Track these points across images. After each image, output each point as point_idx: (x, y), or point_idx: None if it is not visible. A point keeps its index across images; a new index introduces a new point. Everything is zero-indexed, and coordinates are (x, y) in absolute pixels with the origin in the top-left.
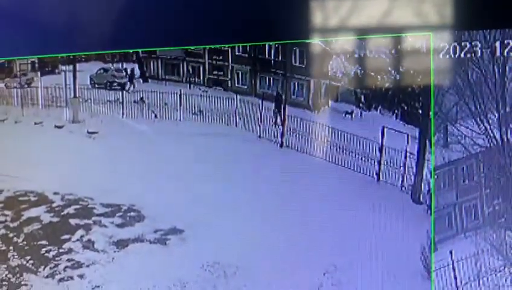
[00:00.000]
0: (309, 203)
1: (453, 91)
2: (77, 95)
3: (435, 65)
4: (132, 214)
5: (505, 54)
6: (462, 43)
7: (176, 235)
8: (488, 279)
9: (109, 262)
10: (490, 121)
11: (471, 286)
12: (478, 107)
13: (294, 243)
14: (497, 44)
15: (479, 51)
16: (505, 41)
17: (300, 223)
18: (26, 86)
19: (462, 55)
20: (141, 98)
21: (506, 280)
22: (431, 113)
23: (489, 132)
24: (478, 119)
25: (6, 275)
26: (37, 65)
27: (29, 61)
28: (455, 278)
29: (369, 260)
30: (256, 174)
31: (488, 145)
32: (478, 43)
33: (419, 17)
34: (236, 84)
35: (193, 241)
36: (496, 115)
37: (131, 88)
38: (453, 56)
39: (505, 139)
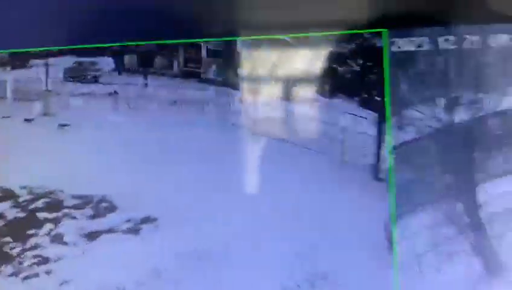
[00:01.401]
0: (279, 185)
1: (405, 79)
2: (49, 88)
3: (389, 57)
4: (104, 204)
5: (447, 47)
6: (412, 38)
7: (149, 223)
8: (444, 247)
9: (79, 255)
10: (438, 105)
11: (430, 255)
12: (427, 93)
13: (267, 225)
14: (441, 39)
15: (426, 45)
16: (447, 37)
17: (272, 204)
18: None
19: (412, 48)
20: (115, 91)
21: (459, 248)
22: (386, 99)
23: (438, 114)
24: (428, 103)
25: None
26: (6, 59)
27: None
28: (415, 249)
29: (336, 237)
30: (228, 160)
31: (438, 126)
32: (425, 38)
33: (375, 15)
34: (210, 76)
35: (167, 228)
36: (443, 99)
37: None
38: (404, 49)
39: (452, 121)
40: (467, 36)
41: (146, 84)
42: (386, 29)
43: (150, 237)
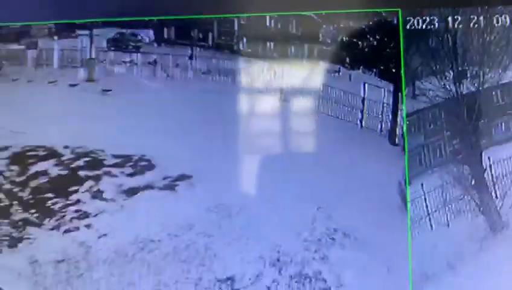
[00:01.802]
0: (304, 147)
1: (418, 54)
2: (93, 57)
3: (404, 34)
4: (143, 163)
5: (455, 26)
6: (424, 17)
7: (184, 181)
8: (452, 206)
9: (117, 210)
10: (447, 78)
11: (439, 212)
12: (437, 66)
13: (291, 183)
14: (449, 19)
15: (436, 24)
16: (455, 17)
17: (296, 165)
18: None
19: (423, 26)
20: (154, 60)
21: (466, 206)
22: (402, 71)
23: (447, 86)
24: (438, 76)
25: (8, 231)
26: (53, 29)
27: (46, 26)
28: (426, 207)
29: (355, 195)
30: (256, 124)
31: (447, 96)
32: (435, 17)
33: None
34: (241, 48)
35: (200, 185)
36: (451, 73)
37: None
38: (416, 27)
39: (459, 92)
40: (473, 16)
41: (191, 56)
42: (400, 9)
43: (184, 193)
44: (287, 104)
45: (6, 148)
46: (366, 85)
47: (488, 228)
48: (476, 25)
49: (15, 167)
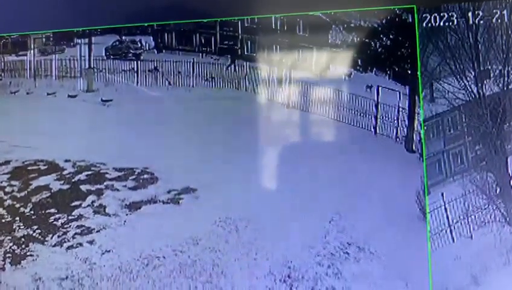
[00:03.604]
0: (313, 157)
1: (436, 53)
2: (92, 66)
3: (419, 32)
4: (145, 176)
5: (476, 22)
6: (441, 14)
7: (189, 194)
8: (475, 216)
9: (121, 225)
10: (468, 78)
11: (461, 223)
12: (457, 66)
13: (301, 195)
14: (470, 14)
15: (455, 20)
16: (476, 12)
17: (306, 176)
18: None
19: (441, 23)
20: (155, 67)
21: (490, 216)
22: (418, 72)
23: (468, 87)
24: (458, 76)
25: (10, 247)
26: (51, 38)
27: (43, 36)
28: (447, 217)
29: (370, 207)
30: (263, 132)
31: (468, 98)
32: (454, 13)
33: None
34: (245, 53)
35: (206, 198)
36: (473, 73)
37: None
38: (434, 24)
39: (481, 93)
40: (496, 11)
41: (184, 61)
42: (416, 5)
43: (189, 207)
44: (296, 111)
45: (7, 162)
46: (380, 88)
47: None
48: (499, 20)
49: (16, 182)
